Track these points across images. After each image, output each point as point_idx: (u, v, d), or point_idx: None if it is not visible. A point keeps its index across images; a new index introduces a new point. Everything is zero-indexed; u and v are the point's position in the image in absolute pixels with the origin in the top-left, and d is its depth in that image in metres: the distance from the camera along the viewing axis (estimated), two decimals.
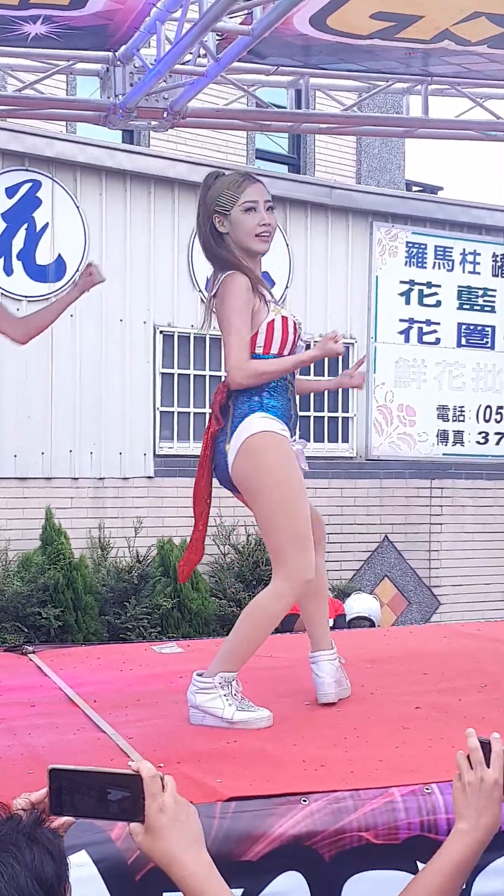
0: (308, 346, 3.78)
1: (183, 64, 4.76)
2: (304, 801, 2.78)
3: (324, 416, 10.36)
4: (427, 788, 2.81)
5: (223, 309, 3.62)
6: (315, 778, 2.96)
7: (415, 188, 14.88)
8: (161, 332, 9.48)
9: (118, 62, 5.13)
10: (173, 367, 9.56)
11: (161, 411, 9.53)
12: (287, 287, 9.81)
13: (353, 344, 10.40)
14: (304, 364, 3.71)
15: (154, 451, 9.49)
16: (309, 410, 10.16)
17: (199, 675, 3.62)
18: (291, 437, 3.68)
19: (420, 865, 2.43)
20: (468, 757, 2.07)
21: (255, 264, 3.71)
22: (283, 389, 3.68)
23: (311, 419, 10.18)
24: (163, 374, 9.54)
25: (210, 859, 1.83)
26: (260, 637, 3.65)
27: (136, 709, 3.83)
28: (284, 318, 3.67)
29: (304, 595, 3.80)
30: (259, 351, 3.66)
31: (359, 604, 8.15)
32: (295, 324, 3.71)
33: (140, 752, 3.15)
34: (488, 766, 2.05)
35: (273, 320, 3.65)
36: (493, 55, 5.02)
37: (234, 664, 3.62)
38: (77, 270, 9.09)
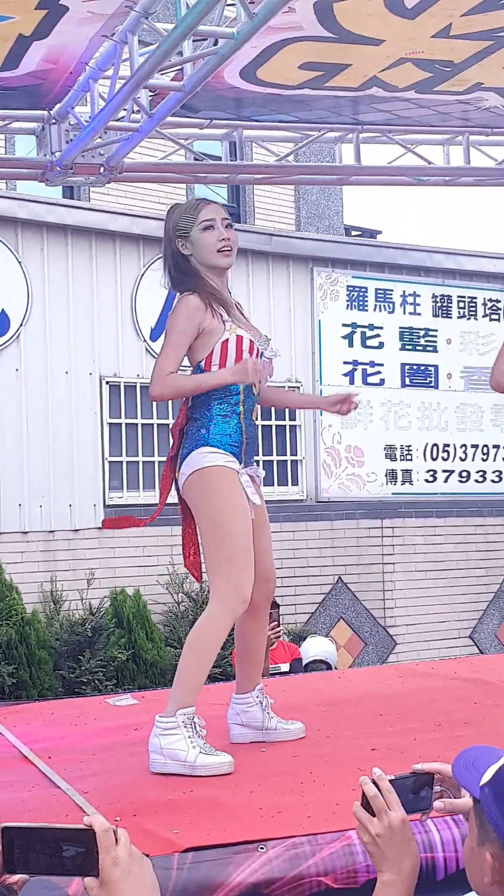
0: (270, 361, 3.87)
1: (117, 120, 4.82)
2: (262, 848, 2.78)
3: (273, 460, 10.41)
4: None
5: (168, 325, 3.78)
6: (272, 824, 2.96)
7: (354, 233, 15.08)
8: (107, 382, 9.49)
9: (53, 120, 5.19)
10: (121, 417, 9.57)
11: (110, 461, 9.52)
12: None
13: (298, 387, 10.48)
14: (220, 384, 3.72)
15: (104, 502, 9.47)
16: (257, 454, 10.17)
17: (161, 717, 3.63)
18: (243, 463, 3.77)
19: None
20: (364, 806, 1.98)
21: (221, 282, 3.85)
22: (231, 416, 3.76)
23: (260, 463, 10.18)
24: (110, 424, 9.54)
25: None
26: (204, 663, 3.68)
27: (92, 763, 3.80)
28: (239, 338, 3.74)
29: (253, 634, 3.94)
30: (215, 370, 3.74)
31: (315, 647, 8.14)
32: (251, 342, 3.77)
33: (96, 807, 3.13)
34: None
35: (227, 339, 3.73)
36: (420, 100, 5.14)
37: (188, 697, 3.63)
38: (21, 324, 9.11)
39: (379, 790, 1.97)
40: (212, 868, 2.70)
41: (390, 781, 1.99)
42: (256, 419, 3.95)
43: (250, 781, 3.43)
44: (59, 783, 3.47)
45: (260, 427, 10.19)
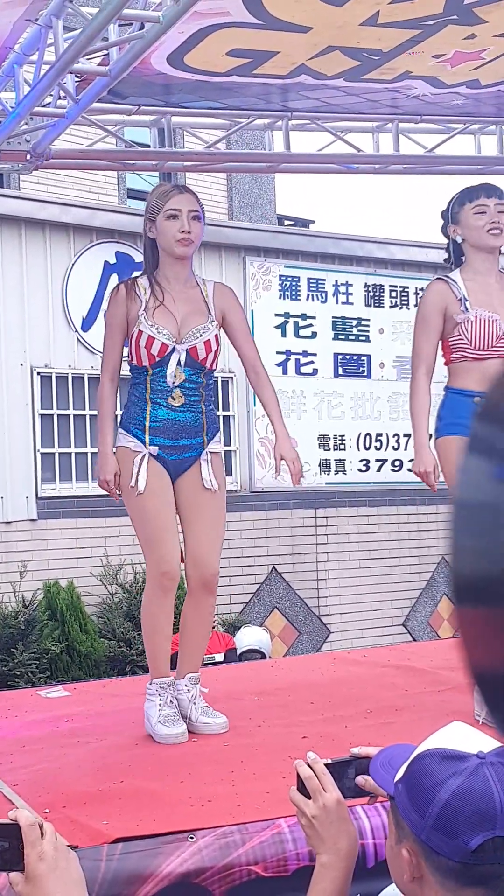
0: (188, 359, 3.98)
1: (44, 106, 4.74)
2: (192, 837, 2.77)
3: None
4: None
5: None
6: (202, 814, 2.95)
7: (286, 222, 15.09)
8: (38, 373, 9.39)
9: None
10: (52, 408, 9.48)
11: (42, 453, 9.43)
12: None
13: (232, 378, 10.46)
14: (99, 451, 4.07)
15: (36, 494, 9.38)
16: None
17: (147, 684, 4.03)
18: (149, 442, 3.95)
19: None
20: (299, 790, 1.98)
21: (179, 269, 4.06)
22: (139, 401, 3.99)
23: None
24: (42, 415, 9.45)
25: None
26: (148, 636, 4.00)
27: (22, 755, 3.77)
28: (139, 333, 3.95)
29: (189, 621, 4.10)
30: (133, 361, 4.00)
31: (249, 637, 8.17)
32: (150, 338, 3.93)
33: (25, 799, 3.10)
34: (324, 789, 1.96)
35: (134, 333, 3.97)
36: (349, 88, 5.12)
37: (153, 669, 4.00)
38: None
39: (314, 773, 1.97)
40: (141, 858, 2.69)
41: (325, 765, 1.99)
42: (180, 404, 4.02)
43: (181, 771, 3.42)
44: None
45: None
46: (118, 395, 4.18)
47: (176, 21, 3.76)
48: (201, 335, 3.99)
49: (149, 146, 5.77)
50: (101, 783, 3.33)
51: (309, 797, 1.97)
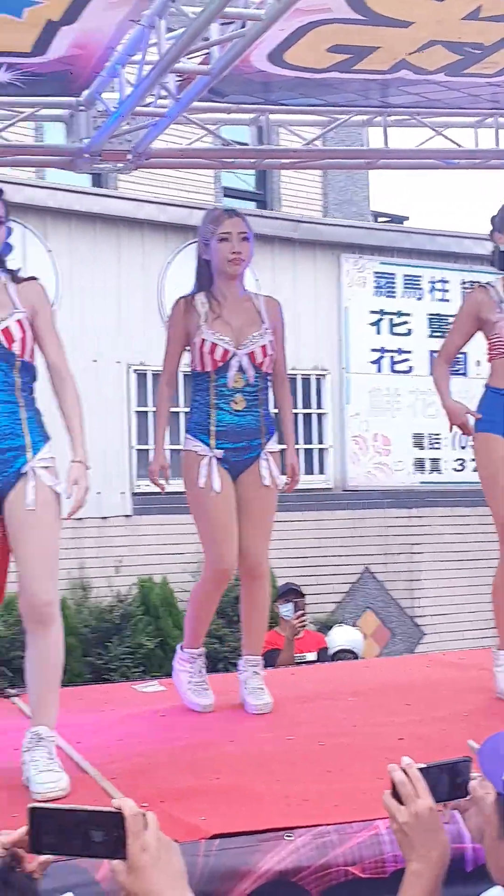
0: (248, 364, 4.26)
1: (145, 106, 4.78)
2: (289, 836, 2.77)
3: (299, 448, 10.35)
4: None
5: None
6: (299, 813, 2.94)
7: (381, 219, 15.00)
8: (134, 370, 9.49)
9: (82, 107, 5.15)
10: (147, 405, 9.56)
11: (137, 450, 9.52)
12: None
13: (325, 375, 10.44)
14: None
15: (131, 490, 9.47)
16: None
17: (178, 651, 4.49)
18: (214, 446, 4.25)
19: None
20: (393, 795, 1.95)
21: (233, 284, 4.34)
22: (203, 407, 4.30)
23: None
24: (137, 412, 9.54)
25: None
26: (193, 613, 4.46)
27: (119, 748, 3.81)
28: (202, 341, 4.24)
29: (243, 606, 4.46)
30: (197, 368, 4.30)
31: (341, 637, 8.12)
32: (213, 345, 4.23)
33: (123, 792, 3.12)
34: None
35: (197, 341, 4.25)
36: (450, 83, 5.08)
37: (190, 638, 4.46)
38: None
39: (408, 778, 1.95)
40: (239, 855, 2.69)
41: (420, 770, 1.96)
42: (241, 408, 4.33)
43: (277, 769, 3.42)
44: (86, 768, 3.48)
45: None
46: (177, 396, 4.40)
47: (278, 18, 3.77)
48: (258, 341, 4.30)
49: (247, 144, 5.79)
50: (197, 779, 3.34)
51: (402, 803, 1.94)
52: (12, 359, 3.57)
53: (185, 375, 9.54)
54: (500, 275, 4.55)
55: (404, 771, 1.96)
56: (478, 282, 4.53)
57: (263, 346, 4.29)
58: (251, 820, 2.87)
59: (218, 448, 4.25)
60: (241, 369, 4.26)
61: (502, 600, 4.45)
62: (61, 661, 3.43)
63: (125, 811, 1.72)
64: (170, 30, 4.19)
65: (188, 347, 4.34)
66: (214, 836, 2.75)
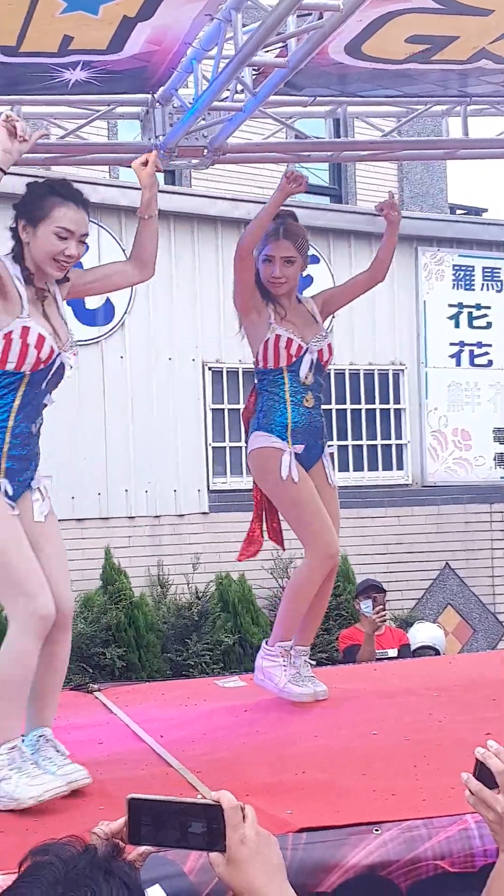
0: (316, 362, 4.41)
1: (221, 101, 4.78)
2: (377, 830, 2.74)
3: (377, 444, 10.31)
4: None
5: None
6: (386, 807, 2.92)
7: (459, 211, 14.84)
8: (210, 368, 9.51)
9: (157, 103, 5.16)
10: (223, 403, 9.58)
11: (213, 447, 9.54)
12: (333, 317, 9.79)
13: (402, 370, 10.37)
14: (274, 208, 4.37)
15: (208, 487, 9.50)
16: (361, 439, 10.12)
17: (266, 645, 4.44)
18: (297, 441, 4.32)
19: None
20: (485, 782, 1.90)
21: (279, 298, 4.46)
22: (278, 405, 4.35)
23: (364, 447, 10.15)
24: (213, 409, 9.56)
25: (293, 892, 1.75)
26: (301, 607, 4.37)
27: (203, 743, 3.81)
28: (277, 336, 4.35)
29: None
30: (270, 364, 4.37)
31: (423, 633, 8.05)
32: (289, 339, 4.34)
33: (208, 785, 3.12)
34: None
35: (268, 339, 4.36)
36: None
37: (286, 633, 4.39)
38: (125, 312, 9.20)
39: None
40: (327, 849, 2.68)
41: None
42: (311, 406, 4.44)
43: (363, 764, 3.40)
44: (171, 762, 3.49)
45: (363, 411, 10.14)
46: None
47: (356, 9, 3.73)
48: (322, 342, 4.44)
49: (322, 138, 5.76)
50: (281, 773, 3.33)
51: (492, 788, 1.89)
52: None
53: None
54: None
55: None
56: None
57: (329, 345, 4.46)
58: (338, 814, 2.86)
59: (295, 444, 4.34)
60: (311, 367, 4.38)
61: None
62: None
63: (224, 803, 1.70)
64: (246, 24, 4.18)
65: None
66: (302, 830, 2.73)
